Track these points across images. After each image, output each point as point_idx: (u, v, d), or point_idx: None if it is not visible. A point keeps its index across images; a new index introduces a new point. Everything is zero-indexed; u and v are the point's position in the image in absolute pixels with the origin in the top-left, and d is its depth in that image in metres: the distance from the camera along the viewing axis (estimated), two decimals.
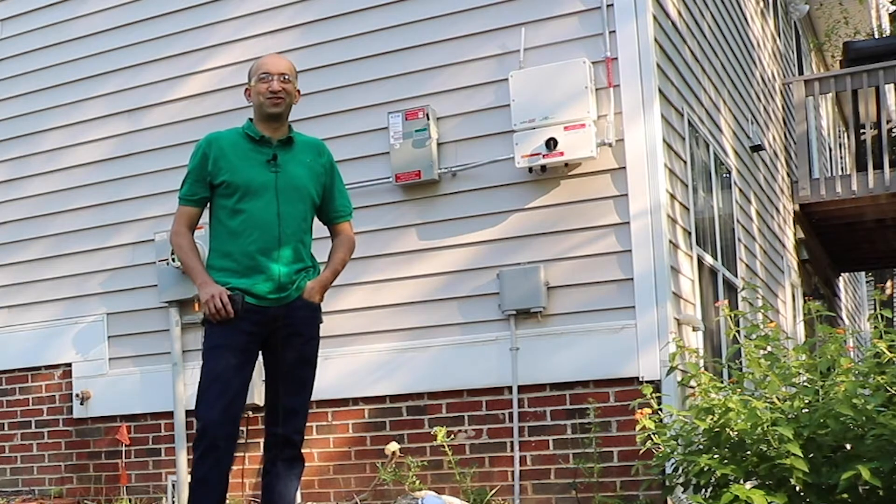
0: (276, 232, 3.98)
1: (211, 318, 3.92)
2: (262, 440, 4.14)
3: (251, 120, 4.14)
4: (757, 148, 8.91)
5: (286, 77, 4.08)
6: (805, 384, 5.01)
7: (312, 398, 4.17)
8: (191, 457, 6.41)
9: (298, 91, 4.19)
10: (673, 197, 6.05)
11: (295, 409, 4.05)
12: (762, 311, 7.01)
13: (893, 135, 16.85)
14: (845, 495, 4.55)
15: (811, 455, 4.62)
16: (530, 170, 6.01)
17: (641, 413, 5.04)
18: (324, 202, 4.19)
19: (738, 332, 5.57)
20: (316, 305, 4.09)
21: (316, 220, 4.22)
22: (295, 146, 4.12)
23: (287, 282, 4.00)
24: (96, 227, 7.25)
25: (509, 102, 6.02)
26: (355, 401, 6.36)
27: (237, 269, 3.98)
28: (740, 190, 8.23)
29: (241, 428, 4.06)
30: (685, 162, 6.44)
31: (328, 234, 4.30)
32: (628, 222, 5.81)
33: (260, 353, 4.07)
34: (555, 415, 5.91)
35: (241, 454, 6.41)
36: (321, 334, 4.14)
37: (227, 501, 4.01)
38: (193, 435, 4.00)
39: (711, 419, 4.80)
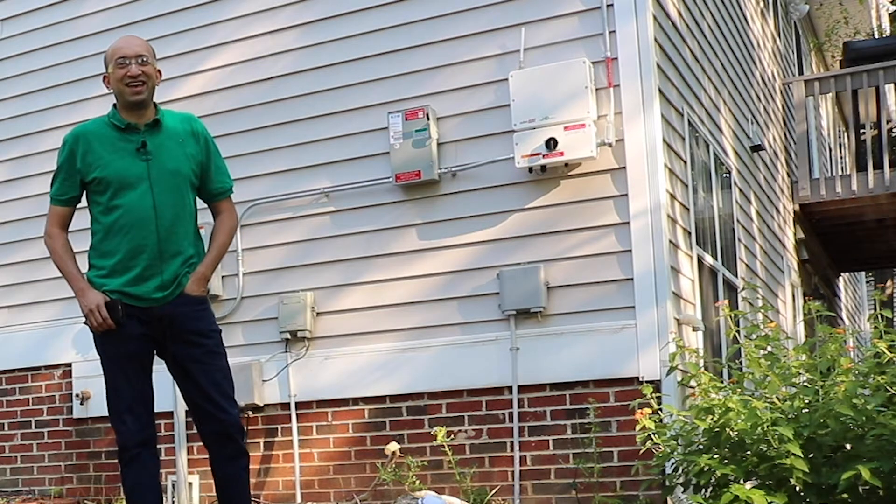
0: (154, 226, 3.83)
1: (95, 331, 3.85)
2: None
3: (115, 107, 3.94)
4: (757, 148, 8.91)
5: (144, 59, 3.89)
6: (805, 384, 5.01)
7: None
8: (191, 457, 6.45)
9: (159, 72, 4.00)
10: (673, 197, 6.05)
11: (220, 403, 3.91)
12: (762, 311, 7.01)
13: (893, 135, 16.85)
14: (845, 495, 4.54)
15: (811, 455, 4.62)
16: (530, 170, 6.01)
17: (641, 413, 5.03)
18: (202, 180, 4.01)
19: (738, 332, 5.57)
20: (201, 298, 3.94)
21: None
22: (164, 128, 3.93)
23: (170, 279, 3.87)
24: None
25: (509, 102, 6.02)
26: (355, 401, 6.35)
27: (116, 269, 3.85)
28: (740, 190, 8.23)
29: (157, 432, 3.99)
30: (685, 162, 6.44)
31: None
32: (628, 222, 5.80)
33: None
34: (555, 415, 5.91)
35: None
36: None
37: None
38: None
39: (711, 419, 4.80)
